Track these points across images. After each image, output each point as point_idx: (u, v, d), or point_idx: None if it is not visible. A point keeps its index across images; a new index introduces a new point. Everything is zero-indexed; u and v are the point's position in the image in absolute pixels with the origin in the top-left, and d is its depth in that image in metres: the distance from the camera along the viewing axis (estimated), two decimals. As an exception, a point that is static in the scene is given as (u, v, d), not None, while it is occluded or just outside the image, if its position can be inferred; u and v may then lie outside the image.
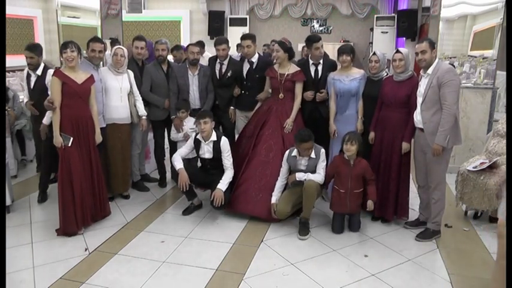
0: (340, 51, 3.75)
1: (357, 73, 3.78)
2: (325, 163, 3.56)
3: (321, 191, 3.56)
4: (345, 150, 3.39)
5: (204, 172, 3.90)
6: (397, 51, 3.43)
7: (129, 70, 4.01)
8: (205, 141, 3.74)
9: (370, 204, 3.39)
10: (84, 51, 3.92)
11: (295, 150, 3.54)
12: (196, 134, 3.80)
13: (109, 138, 3.79)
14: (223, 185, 3.65)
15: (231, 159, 3.76)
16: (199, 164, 4.07)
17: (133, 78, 4.03)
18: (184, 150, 3.82)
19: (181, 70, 4.28)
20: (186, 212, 3.86)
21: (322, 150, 3.57)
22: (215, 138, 3.73)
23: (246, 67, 4.28)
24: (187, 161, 3.87)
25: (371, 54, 3.72)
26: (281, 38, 4.18)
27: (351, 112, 3.82)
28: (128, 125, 4.03)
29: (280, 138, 3.86)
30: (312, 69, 4.01)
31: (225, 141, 3.73)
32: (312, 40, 3.98)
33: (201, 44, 5.95)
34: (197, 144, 3.78)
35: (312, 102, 4.00)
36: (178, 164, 3.71)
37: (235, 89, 4.33)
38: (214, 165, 3.81)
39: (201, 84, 4.24)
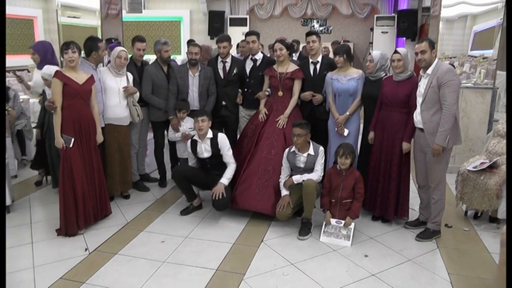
0: (334, 52, 3.80)
1: (355, 73, 3.80)
2: (323, 161, 3.57)
3: (320, 190, 3.56)
4: (340, 163, 3.42)
5: (205, 173, 3.87)
6: (396, 52, 3.45)
7: (128, 72, 4.01)
8: (201, 140, 3.74)
9: (347, 221, 3.38)
10: (83, 52, 3.92)
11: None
12: (193, 137, 3.80)
13: (105, 138, 3.78)
14: (225, 179, 3.67)
15: (231, 152, 3.77)
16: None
17: (132, 81, 4.01)
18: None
19: (181, 71, 4.27)
20: (185, 212, 3.86)
21: (321, 149, 3.58)
22: (211, 136, 3.73)
23: (249, 65, 4.28)
24: (185, 161, 3.87)
25: (367, 54, 3.76)
26: (277, 37, 4.20)
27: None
28: (126, 126, 4.02)
29: (281, 136, 3.87)
30: (311, 67, 4.02)
31: (222, 137, 3.75)
32: (306, 34, 4.06)
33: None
34: (194, 145, 3.78)
35: (309, 104, 4.01)
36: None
37: (237, 98, 4.34)
38: (214, 164, 3.80)
39: (201, 86, 4.22)
